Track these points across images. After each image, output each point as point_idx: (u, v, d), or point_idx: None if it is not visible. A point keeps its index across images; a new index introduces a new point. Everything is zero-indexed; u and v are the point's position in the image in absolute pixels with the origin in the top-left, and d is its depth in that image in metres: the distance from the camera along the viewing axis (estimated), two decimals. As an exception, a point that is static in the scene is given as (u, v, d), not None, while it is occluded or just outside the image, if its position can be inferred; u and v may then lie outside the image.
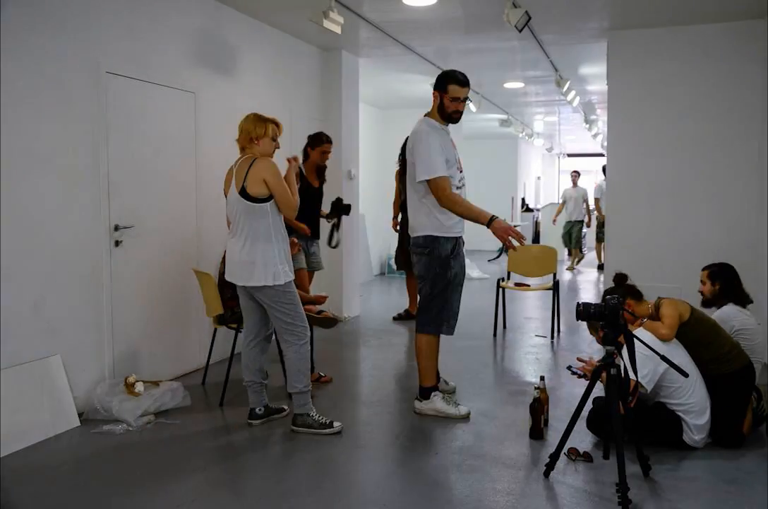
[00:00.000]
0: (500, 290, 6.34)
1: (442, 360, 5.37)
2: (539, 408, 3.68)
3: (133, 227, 4.34)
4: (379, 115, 10.82)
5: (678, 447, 3.49)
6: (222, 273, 4.17)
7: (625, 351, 3.06)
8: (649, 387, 3.43)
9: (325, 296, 4.71)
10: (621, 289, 3.75)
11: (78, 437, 3.69)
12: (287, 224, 3.77)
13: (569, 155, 22.48)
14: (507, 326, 6.66)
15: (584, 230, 12.04)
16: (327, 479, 3.18)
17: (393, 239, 10.79)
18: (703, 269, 4.27)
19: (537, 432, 3.67)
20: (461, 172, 3.92)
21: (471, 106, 8.45)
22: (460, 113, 3.86)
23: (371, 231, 10.33)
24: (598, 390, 3.37)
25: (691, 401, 3.47)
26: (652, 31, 5.87)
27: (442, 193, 3.71)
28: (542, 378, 3.90)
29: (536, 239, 15.03)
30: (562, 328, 6.47)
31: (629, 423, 3.19)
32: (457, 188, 3.82)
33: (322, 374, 4.78)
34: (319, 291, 6.85)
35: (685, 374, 3.15)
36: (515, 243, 3.62)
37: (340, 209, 5.36)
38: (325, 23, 4.72)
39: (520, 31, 4.83)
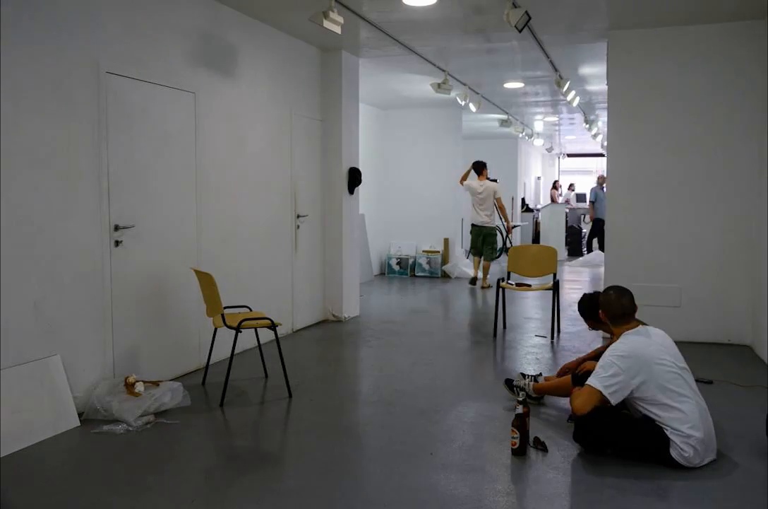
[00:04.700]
0: (500, 290, 6.34)
1: (441, 360, 5.40)
2: (522, 424, 3.35)
3: (133, 227, 4.34)
4: (379, 115, 10.81)
5: (666, 464, 3.18)
6: None
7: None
8: (614, 399, 3.19)
9: None
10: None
11: (78, 437, 3.68)
12: None
13: (569, 155, 22.49)
14: (507, 326, 6.65)
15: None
16: (328, 479, 3.18)
17: (392, 239, 10.92)
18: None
19: (521, 448, 3.37)
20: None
21: (471, 106, 8.45)
22: None
23: (371, 231, 10.33)
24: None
25: (678, 415, 3.15)
26: (652, 31, 5.88)
27: None
28: (522, 389, 3.97)
29: (536, 239, 15.02)
30: (562, 328, 6.47)
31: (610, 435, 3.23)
32: None
33: None
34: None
35: None
36: None
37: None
38: (325, 23, 4.72)
39: (520, 31, 4.83)
